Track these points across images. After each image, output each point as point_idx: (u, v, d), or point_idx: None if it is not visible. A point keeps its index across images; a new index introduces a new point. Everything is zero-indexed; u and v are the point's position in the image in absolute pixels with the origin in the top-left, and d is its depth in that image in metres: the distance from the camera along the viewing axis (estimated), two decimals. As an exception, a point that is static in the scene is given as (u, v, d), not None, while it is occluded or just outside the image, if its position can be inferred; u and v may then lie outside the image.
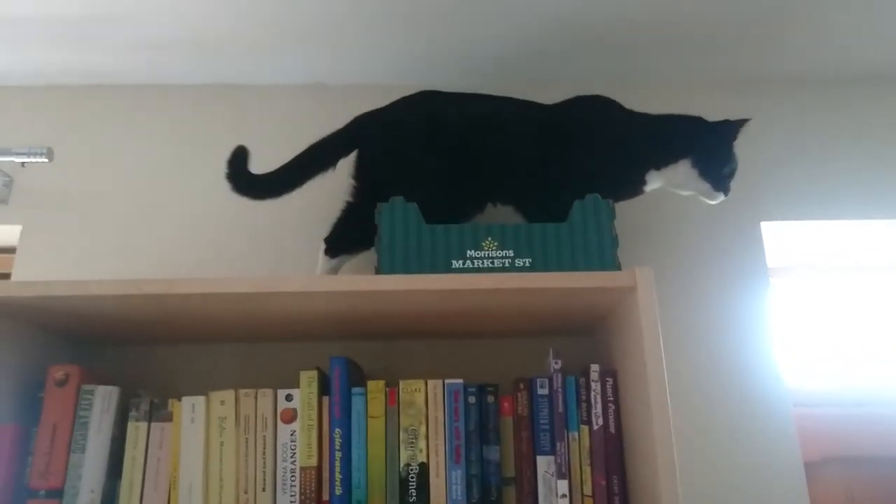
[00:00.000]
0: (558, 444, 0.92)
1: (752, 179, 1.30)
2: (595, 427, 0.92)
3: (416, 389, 0.94)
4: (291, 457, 0.92)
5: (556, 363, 0.95)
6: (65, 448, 0.90)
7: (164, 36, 1.23)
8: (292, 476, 0.91)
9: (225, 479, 0.91)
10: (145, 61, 1.31)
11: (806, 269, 1.59)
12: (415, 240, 0.95)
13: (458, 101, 1.12)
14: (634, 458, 0.89)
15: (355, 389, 0.94)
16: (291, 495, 0.90)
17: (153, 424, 0.93)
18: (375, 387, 0.94)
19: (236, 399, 0.94)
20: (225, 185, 1.06)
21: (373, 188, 1.08)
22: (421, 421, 0.92)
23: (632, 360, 0.90)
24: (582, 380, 0.95)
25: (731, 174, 1.10)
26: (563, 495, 0.89)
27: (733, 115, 1.10)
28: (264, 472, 0.91)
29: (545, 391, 0.94)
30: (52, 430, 0.90)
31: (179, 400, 0.93)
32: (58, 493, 0.88)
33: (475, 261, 0.95)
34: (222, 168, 1.07)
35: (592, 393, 0.94)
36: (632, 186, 1.11)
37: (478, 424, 0.93)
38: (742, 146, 1.10)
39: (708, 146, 1.09)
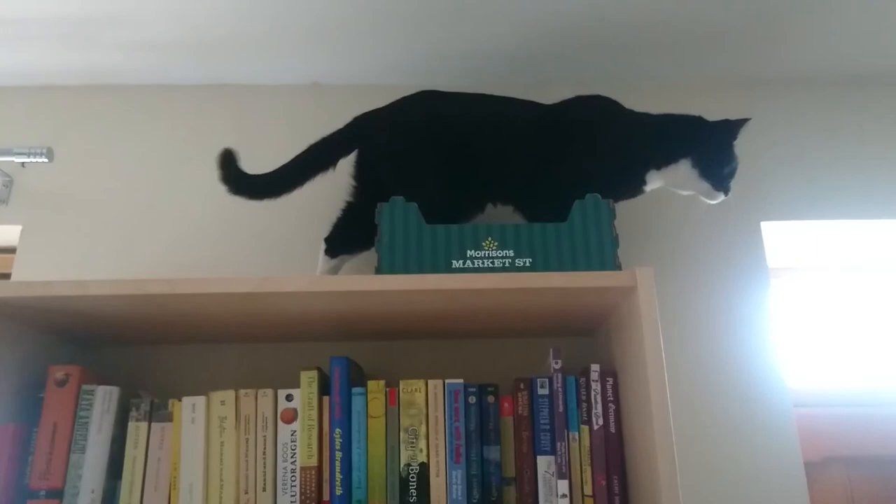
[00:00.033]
0: (559, 444, 0.92)
1: (752, 179, 1.30)
2: (595, 427, 0.92)
3: (416, 389, 0.94)
4: (292, 457, 0.92)
5: (556, 363, 0.95)
6: (65, 448, 0.90)
7: (164, 36, 1.23)
8: (293, 476, 0.91)
9: (225, 480, 0.91)
10: (145, 61, 1.31)
11: (806, 269, 1.59)
12: (415, 240, 0.95)
13: (459, 101, 1.12)
14: (635, 458, 0.89)
15: (356, 389, 0.94)
16: (292, 495, 0.90)
17: (153, 424, 0.93)
18: (376, 387, 0.94)
19: (237, 399, 0.94)
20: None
21: (373, 188, 1.08)
22: (421, 421, 0.92)
23: (632, 360, 0.90)
24: (582, 380, 0.95)
25: (732, 174, 1.10)
26: (564, 495, 0.89)
27: (733, 115, 1.10)
28: (265, 472, 0.91)
29: (545, 391, 0.94)
30: (53, 430, 0.90)
31: (180, 400, 0.93)
32: (58, 493, 0.88)
33: (475, 261, 0.95)
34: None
35: (593, 393, 0.94)
36: (632, 186, 1.11)
37: (478, 424, 0.93)
38: (742, 146, 1.10)
39: (708, 146, 1.09)
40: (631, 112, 1.11)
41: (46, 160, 1.18)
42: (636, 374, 0.88)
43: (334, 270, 1.13)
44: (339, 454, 0.91)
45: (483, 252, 0.95)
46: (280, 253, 1.25)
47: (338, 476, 0.90)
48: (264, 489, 0.91)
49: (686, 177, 1.09)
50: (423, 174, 1.07)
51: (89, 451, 0.90)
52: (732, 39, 1.27)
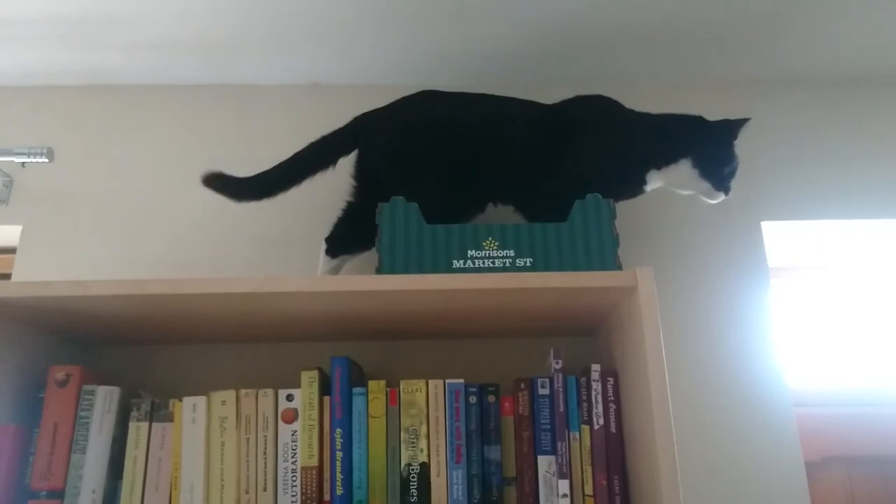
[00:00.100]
0: (559, 444, 0.92)
1: (752, 179, 1.30)
2: (596, 427, 0.92)
3: (416, 389, 0.94)
4: (292, 457, 0.92)
5: (556, 363, 0.95)
6: (66, 448, 0.90)
7: (165, 36, 1.23)
8: (293, 476, 0.91)
9: (226, 480, 0.91)
10: (145, 61, 1.31)
11: (806, 269, 1.59)
12: (415, 240, 0.95)
13: (459, 101, 1.12)
14: (635, 458, 0.90)
15: (356, 389, 0.94)
16: (293, 495, 0.90)
17: (154, 425, 0.93)
18: (376, 387, 0.94)
19: (237, 399, 0.94)
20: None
21: (373, 188, 1.08)
22: (422, 421, 0.92)
23: (633, 360, 0.90)
24: (583, 379, 0.95)
25: (732, 174, 1.10)
26: (564, 495, 0.89)
27: (733, 115, 1.10)
28: (265, 472, 0.91)
29: (546, 391, 0.94)
30: (54, 430, 0.90)
31: (180, 400, 0.93)
32: (59, 493, 0.88)
33: (476, 261, 0.95)
34: (222, 168, 1.07)
35: (593, 393, 0.94)
36: (632, 186, 1.11)
37: (479, 424, 0.93)
38: (742, 146, 1.10)
39: (708, 146, 1.09)
40: (631, 112, 1.11)
41: (46, 160, 1.18)
42: (637, 374, 0.88)
43: (335, 270, 1.13)
44: (339, 454, 0.91)
45: (483, 252, 0.95)
46: (280, 253, 1.25)
47: (338, 476, 0.90)
48: (265, 489, 0.91)
49: (686, 177, 1.09)
50: (423, 174, 1.07)
51: (90, 452, 0.90)
52: (732, 39, 1.27)
